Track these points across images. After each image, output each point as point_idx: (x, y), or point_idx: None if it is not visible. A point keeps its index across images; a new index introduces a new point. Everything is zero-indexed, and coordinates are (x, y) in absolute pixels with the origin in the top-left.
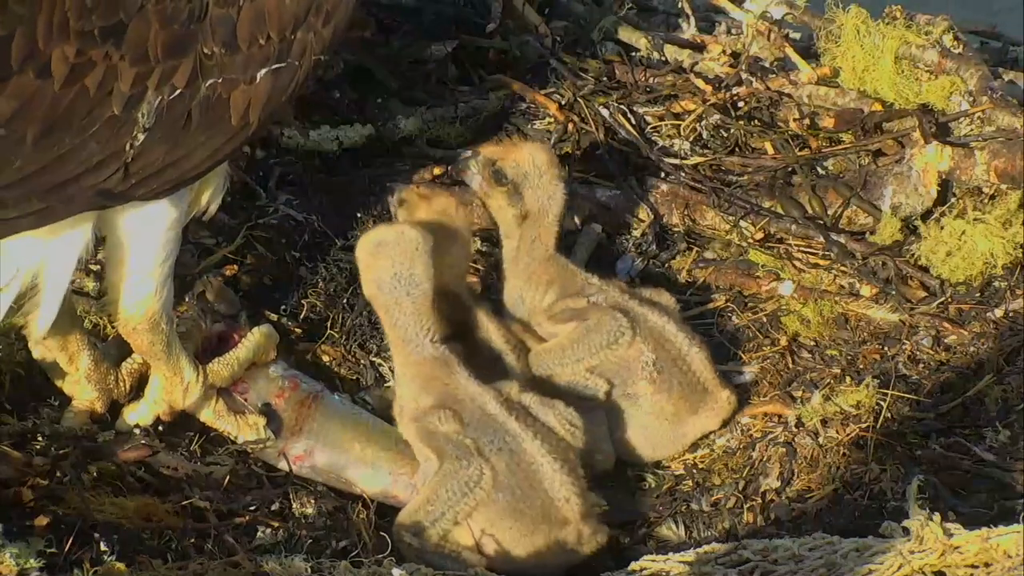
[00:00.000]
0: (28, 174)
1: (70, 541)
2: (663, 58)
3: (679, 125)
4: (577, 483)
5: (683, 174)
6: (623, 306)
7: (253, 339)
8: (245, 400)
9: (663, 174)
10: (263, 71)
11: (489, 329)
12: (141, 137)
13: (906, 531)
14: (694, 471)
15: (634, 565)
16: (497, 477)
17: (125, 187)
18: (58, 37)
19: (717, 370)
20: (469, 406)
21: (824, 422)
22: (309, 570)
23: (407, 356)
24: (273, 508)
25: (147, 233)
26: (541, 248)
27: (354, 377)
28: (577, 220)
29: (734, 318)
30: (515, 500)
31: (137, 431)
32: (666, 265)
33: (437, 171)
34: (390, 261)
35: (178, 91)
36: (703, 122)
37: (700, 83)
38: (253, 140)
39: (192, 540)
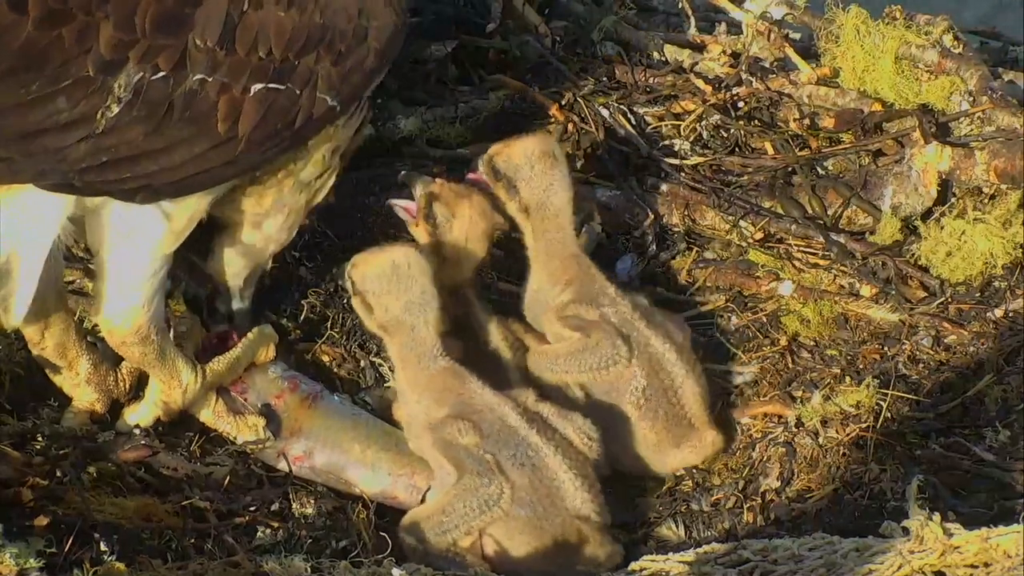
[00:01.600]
0: None
1: (70, 541)
2: (663, 58)
3: (679, 125)
4: (596, 500)
5: (683, 174)
6: (629, 325)
7: (252, 339)
8: (244, 400)
9: (663, 174)
10: (258, 86)
11: (488, 326)
12: (115, 109)
13: (906, 531)
14: (694, 471)
15: (634, 565)
16: (517, 494)
17: (95, 162)
18: None
19: (709, 409)
20: (488, 416)
21: (824, 422)
22: (309, 570)
23: (417, 372)
24: (273, 508)
25: (133, 247)
26: (557, 243)
27: (354, 377)
28: (577, 220)
29: (734, 318)
30: (536, 517)
31: (137, 431)
32: (666, 265)
33: (437, 171)
34: (413, 282)
35: (161, 74)
36: (703, 122)
37: (700, 83)
38: (245, 165)
39: (192, 540)
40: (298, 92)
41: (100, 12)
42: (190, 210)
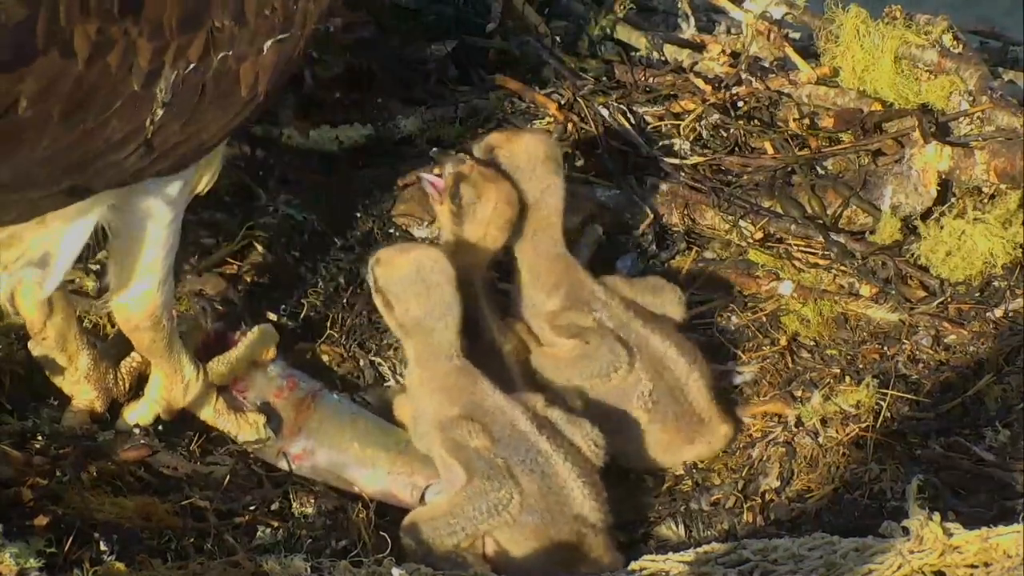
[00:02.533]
0: (55, 152)
1: (70, 541)
2: (663, 58)
3: (679, 125)
4: (603, 508)
5: (683, 174)
6: (625, 328)
7: (253, 338)
8: (244, 398)
9: (663, 174)
10: (269, 42)
11: (494, 325)
12: (160, 112)
13: (906, 531)
14: (694, 471)
15: (634, 565)
16: (526, 501)
17: (145, 163)
18: (80, 15)
19: (716, 400)
20: (499, 419)
21: (824, 422)
22: (309, 570)
23: (432, 371)
24: (273, 508)
25: (149, 216)
26: (546, 243)
27: (354, 377)
28: (577, 220)
29: (734, 318)
30: (543, 524)
31: (137, 430)
32: (666, 265)
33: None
34: (437, 287)
35: (192, 65)
36: (703, 122)
37: (700, 83)
38: (259, 113)
39: (192, 540)
40: (299, 33)
41: (135, 30)
42: (215, 160)
